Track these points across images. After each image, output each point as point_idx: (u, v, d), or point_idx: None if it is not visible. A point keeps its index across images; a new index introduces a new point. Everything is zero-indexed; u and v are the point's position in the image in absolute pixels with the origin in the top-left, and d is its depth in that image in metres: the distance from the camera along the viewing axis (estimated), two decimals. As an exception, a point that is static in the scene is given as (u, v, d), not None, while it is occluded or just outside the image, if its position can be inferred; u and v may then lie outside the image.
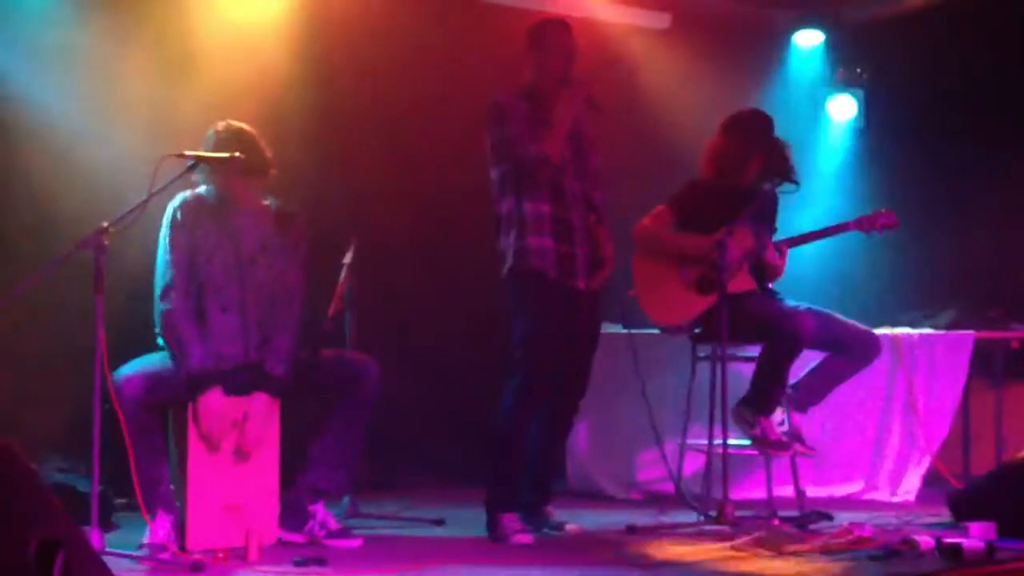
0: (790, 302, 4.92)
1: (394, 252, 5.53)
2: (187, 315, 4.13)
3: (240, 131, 4.24)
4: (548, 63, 4.49)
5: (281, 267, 4.31)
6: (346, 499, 4.68)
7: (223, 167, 4.14)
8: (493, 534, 4.37)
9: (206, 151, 4.13)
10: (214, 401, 4.06)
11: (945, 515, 4.70)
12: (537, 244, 4.39)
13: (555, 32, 4.55)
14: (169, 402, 4.10)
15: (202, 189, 4.27)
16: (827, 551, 4.10)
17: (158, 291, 4.15)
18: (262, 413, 4.14)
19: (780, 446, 4.83)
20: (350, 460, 4.33)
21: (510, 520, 4.37)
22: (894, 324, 5.71)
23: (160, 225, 4.21)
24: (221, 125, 4.24)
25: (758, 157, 4.95)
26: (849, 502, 5.45)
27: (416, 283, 5.75)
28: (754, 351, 4.93)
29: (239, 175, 4.19)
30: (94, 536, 3.64)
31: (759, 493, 5.11)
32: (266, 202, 4.37)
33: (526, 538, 4.33)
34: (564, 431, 4.81)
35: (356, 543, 4.20)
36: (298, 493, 4.26)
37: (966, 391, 5.68)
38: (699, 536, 4.44)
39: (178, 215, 4.20)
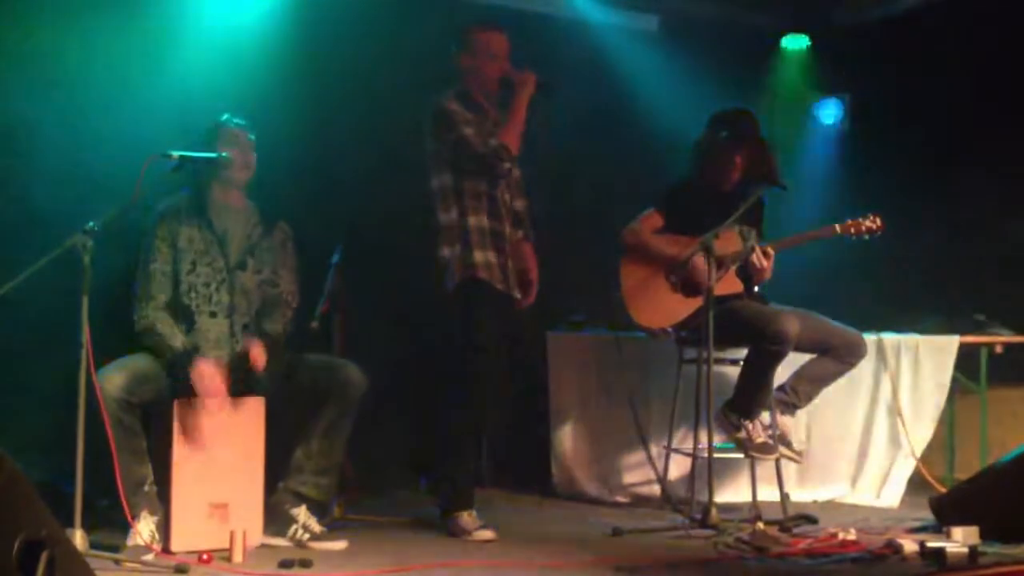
0: (776, 305, 4.94)
1: (381, 252, 5.52)
2: (161, 314, 4.13)
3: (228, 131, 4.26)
4: (484, 68, 4.55)
5: (268, 270, 4.30)
6: (331, 501, 4.67)
7: (208, 166, 4.15)
8: (453, 532, 4.45)
9: (197, 147, 4.14)
10: (206, 365, 4.06)
11: (929, 519, 4.72)
12: (482, 258, 4.53)
13: (489, 36, 4.58)
14: (152, 402, 4.08)
15: (185, 193, 4.26)
16: (811, 555, 4.11)
17: (133, 301, 4.17)
18: (251, 415, 4.12)
19: (765, 449, 4.84)
20: (334, 464, 4.32)
21: (468, 518, 4.46)
22: (879, 328, 5.72)
23: (145, 226, 4.20)
24: (224, 119, 4.29)
25: (742, 154, 4.96)
26: (833, 505, 5.47)
27: (403, 283, 5.72)
28: (740, 354, 4.94)
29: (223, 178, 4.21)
30: (77, 537, 3.62)
31: (744, 496, 5.12)
32: (251, 203, 4.36)
33: (487, 533, 4.42)
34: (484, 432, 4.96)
35: (340, 545, 4.19)
36: (282, 496, 4.25)
37: (950, 395, 5.70)
38: (684, 539, 4.44)
39: (160, 226, 4.19)
